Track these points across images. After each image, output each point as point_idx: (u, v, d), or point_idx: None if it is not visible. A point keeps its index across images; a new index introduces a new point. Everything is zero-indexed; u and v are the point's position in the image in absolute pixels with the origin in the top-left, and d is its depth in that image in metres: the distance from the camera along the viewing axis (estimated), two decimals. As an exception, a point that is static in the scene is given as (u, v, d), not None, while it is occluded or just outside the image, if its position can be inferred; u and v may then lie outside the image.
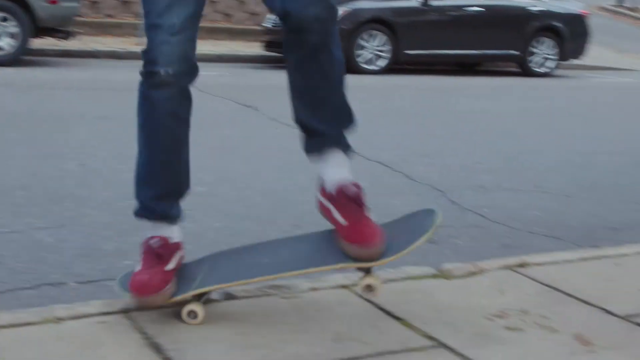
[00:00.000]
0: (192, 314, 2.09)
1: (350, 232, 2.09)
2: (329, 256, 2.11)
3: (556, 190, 4.77)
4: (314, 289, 2.45)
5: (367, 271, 2.13)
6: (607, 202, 4.55)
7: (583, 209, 4.35)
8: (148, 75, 2.09)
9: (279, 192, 4.38)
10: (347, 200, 2.12)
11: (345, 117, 2.20)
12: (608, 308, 2.39)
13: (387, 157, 5.37)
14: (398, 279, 2.55)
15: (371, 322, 2.22)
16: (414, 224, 2.20)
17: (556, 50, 13.23)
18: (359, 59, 11.84)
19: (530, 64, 13.13)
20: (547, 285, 2.57)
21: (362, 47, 11.89)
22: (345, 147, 2.20)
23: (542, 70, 13.20)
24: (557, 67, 13.39)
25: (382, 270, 2.64)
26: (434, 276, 2.61)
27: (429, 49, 12.38)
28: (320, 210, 2.23)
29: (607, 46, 16.47)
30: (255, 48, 13.47)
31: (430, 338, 2.12)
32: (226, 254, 2.28)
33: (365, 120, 7.23)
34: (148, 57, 2.08)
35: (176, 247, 2.19)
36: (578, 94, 11.08)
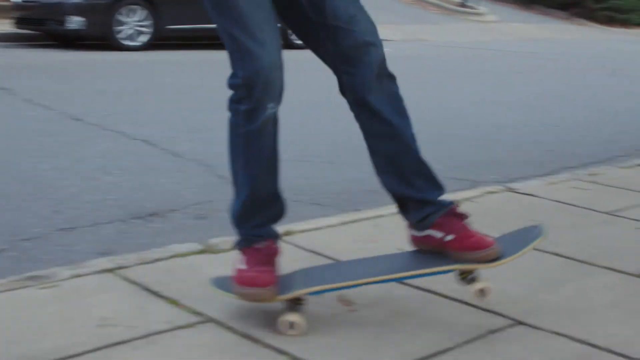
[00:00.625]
0: (291, 325, 2.03)
1: (466, 241, 2.13)
2: (429, 262, 2.17)
3: (320, 158, 4.92)
4: (77, 276, 2.35)
5: (472, 279, 2.19)
6: (367, 167, 4.75)
7: (345, 175, 4.52)
8: (254, 113, 2.02)
9: (37, 177, 4.15)
10: (457, 217, 2.17)
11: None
12: (368, 268, 2.50)
13: (152, 134, 5.26)
14: (164, 258, 2.52)
15: (138, 305, 2.17)
16: (519, 236, 2.29)
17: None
18: (119, 35, 11.46)
19: (292, 37, 13.42)
20: (311, 251, 2.65)
21: (122, 23, 11.51)
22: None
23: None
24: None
25: (149, 251, 2.60)
26: (201, 252, 2.59)
27: (190, 23, 12.25)
28: (415, 243, 2.25)
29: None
30: (5, 25, 12.62)
31: (198, 314, 2.11)
32: (319, 268, 2.32)
33: (128, 98, 7.08)
34: (249, 93, 1.99)
35: (277, 251, 2.16)
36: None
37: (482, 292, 2.19)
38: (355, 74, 2.10)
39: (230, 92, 2.06)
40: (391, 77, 2.16)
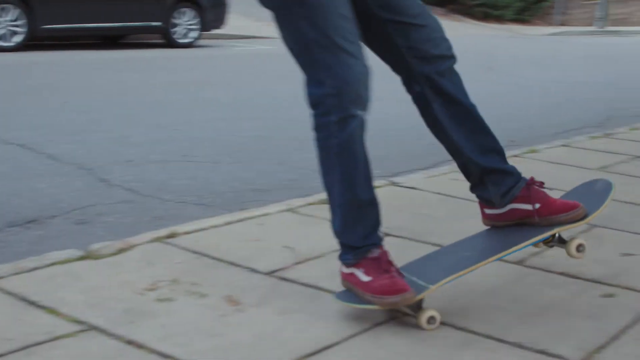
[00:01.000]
0: (432, 320, 2.09)
1: (553, 206, 2.30)
2: (525, 234, 2.30)
3: (205, 158, 4.88)
4: (-52, 290, 2.23)
5: (563, 240, 2.39)
6: (253, 166, 4.75)
7: (231, 174, 4.49)
8: (338, 111, 2.05)
9: None
10: (536, 186, 2.34)
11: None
12: (254, 267, 2.50)
13: (29, 138, 5.08)
14: (43, 266, 2.43)
15: (15, 316, 2.09)
16: (588, 191, 2.47)
17: (197, 20, 13.49)
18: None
19: (174, 35, 13.24)
20: (196, 253, 2.61)
21: (-6, 23, 11.07)
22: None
23: (185, 40, 13.39)
24: (200, 37, 13.68)
25: (26, 259, 2.50)
26: (81, 258, 2.52)
27: (67, 22, 11.89)
28: (494, 220, 2.41)
29: (248, 15, 17.14)
30: None
31: (79, 322, 2.05)
32: (423, 260, 2.32)
33: (2, 101, 6.81)
34: (339, 102, 2.04)
35: (388, 255, 2.18)
36: (222, 63, 11.43)
37: (580, 248, 2.36)
38: (430, 64, 2.23)
39: (313, 106, 2.11)
40: (454, 61, 2.32)
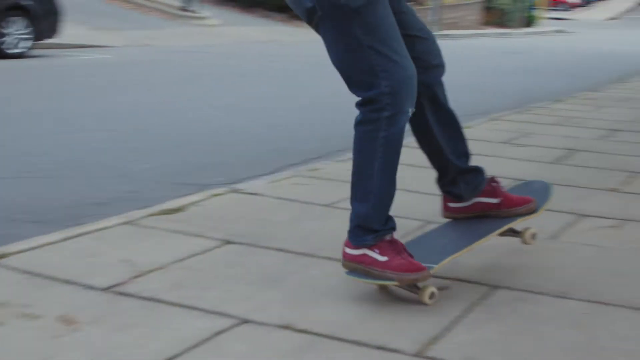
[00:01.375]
0: (433, 295, 2.35)
1: (513, 200, 2.73)
2: (492, 224, 2.68)
3: (39, 173, 4.68)
4: None
5: (520, 231, 2.83)
6: (92, 179, 4.61)
7: (67, 189, 4.34)
8: (391, 107, 2.28)
9: None
10: (496, 184, 2.75)
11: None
12: (91, 283, 2.41)
13: None
14: None
15: None
16: (530, 190, 2.90)
17: (30, 30, 12.92)
18: None
19: (3, 46, 12.61)
20: (28, 272, 2.50)
21: None
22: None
23: (16, 51, 12.79)
24: (32, 47, 13.11)
25: None
26: None
27: None
28: (457, 213, 2.76)
29: (83, 24, 16.61)
30: None
31: None
32: (411, 246, 2.47)
33: None
34: (391, 90, 2.27)
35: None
36: (55, 73, 10.99)
37: (534, 236, 2.84)
38: (430, 74, 2.53)
39: (364, 104, 2.33)
40: (445, 70, 2.63)
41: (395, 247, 2.35)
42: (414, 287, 2.35)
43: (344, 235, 2.44)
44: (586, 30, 35.53)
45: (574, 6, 49.76)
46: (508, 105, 8.05)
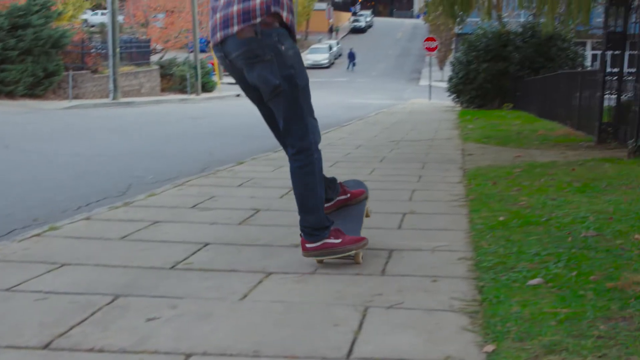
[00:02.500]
0: (362, 257, 3.80)
1: (354, 192, 4.17)
2: (357, 210, 4.19)
3: None
4: None
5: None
6: None
7: None
8: (315, 150, 3.58)
9: None
10: (342, 186, 4.20)
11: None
12: None
13: None
14: None
15: None
16: (357, 184, 4.33)
17: None
18: None
19: None
20: None
21: None
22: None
23: None
24: None
25: None
26: None
27: None
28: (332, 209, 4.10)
29: None
30: None
31: None
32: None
33: None
34: (314, 140, 3.58)
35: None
36: None
37: (369, 210, 4.31)
38: (285, 142, 3.63)
39: (300, 152, 3.56)
40: None
41: (339, 231, 3.67)
42: (348, 256, 3.70)
43: (28, 319, 2.28)
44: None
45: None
46: (193, 170, 8.18)
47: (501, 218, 4.84)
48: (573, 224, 4.62)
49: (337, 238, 3.61)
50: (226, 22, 3.40)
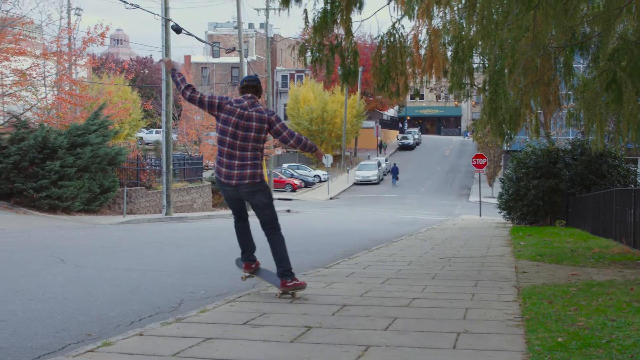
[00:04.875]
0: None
1: (254, 265, 7.50)
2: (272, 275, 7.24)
3: None
4: None
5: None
6: None
7: None
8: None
9: None
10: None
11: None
12: None
13: None
14: None
15: None
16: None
17: None
18: None
19: None
20: None
21: None
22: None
23: None
24: None
25: None
26: None
27: None
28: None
29: None
30: None
31: None
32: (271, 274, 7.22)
33: None
34: (278, 225, 7.17)
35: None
36: None
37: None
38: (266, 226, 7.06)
39: (279, 230, 7.09)
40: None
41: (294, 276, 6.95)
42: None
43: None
44: (311, 209, 37.80)
45: (296, 188, 53.26)
46: (244, 285, 8.19)
47: (559, 339, 4.72)
48: (636, 347, 4.47)
49: (297, 280, 6.98)
50: (242, 177, 6.82)
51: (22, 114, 26.87)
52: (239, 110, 6.75)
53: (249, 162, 6.76)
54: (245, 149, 6.75)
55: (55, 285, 8.38)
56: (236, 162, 6.76)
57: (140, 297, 7.58)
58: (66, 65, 28.99)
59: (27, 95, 27.67)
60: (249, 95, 6.90)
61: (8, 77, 26.69)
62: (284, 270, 6.78)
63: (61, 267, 10.16)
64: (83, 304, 7.06)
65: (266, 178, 39.77)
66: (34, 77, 27.46)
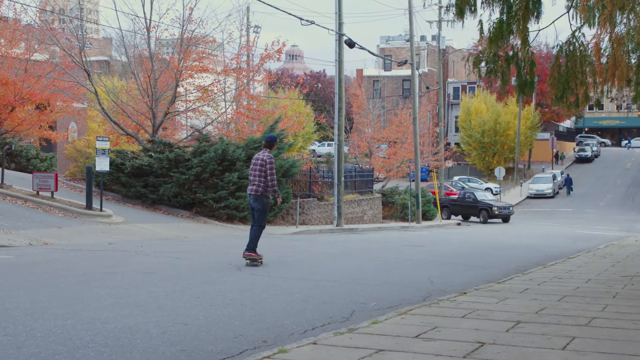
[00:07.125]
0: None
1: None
2: None
3: None
4: None
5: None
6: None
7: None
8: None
9: None
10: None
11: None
12: None
13: None
14: None
15: None
16: None
17: None
18: None
19: None
20: None
21: None
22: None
23: None
24: None
25: None
26: None
27: None
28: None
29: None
30: None
31: None
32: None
33: None
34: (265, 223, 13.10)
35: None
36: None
37: None
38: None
39: (263, 227, 12.35)
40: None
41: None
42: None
43: None
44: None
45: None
46: (415, 298, 8.16)
47: None
48: None
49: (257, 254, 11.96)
50: (255, 190, 12.13)
51: (204, 127, 28.29)
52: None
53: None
54: None
55: (233, 291, 8.72)
56: (254, 178, 12.56)
57: (313, 307, 7.73)
58: (245, 81, 30.18)
59: (208, 110, 29.12)
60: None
61: (192, 93, 28.20)
62: (251, 247, 11.99)
63: (238, 275, 10.57)
64: (259, 311, 7.31)
65: (436, 190, 39.13)
66: (215, 93, 28.85)
